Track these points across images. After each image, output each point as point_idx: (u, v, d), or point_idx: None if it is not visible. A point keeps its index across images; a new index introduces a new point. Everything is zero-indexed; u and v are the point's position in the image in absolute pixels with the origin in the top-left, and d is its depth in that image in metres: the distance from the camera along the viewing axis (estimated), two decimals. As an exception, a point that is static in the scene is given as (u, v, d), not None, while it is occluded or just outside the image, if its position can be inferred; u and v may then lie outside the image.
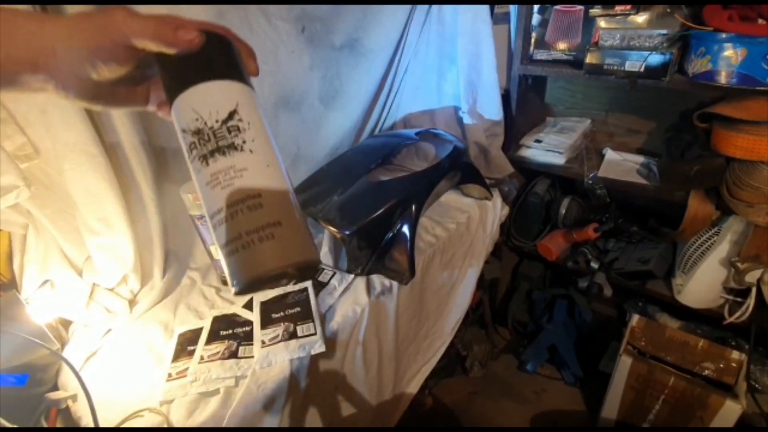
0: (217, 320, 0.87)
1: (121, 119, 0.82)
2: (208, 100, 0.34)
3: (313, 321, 0.83)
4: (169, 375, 0.76)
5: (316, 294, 0.90)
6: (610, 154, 1.32)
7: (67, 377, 0.78)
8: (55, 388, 0.78)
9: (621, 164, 1.27)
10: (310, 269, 0.36)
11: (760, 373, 1.19)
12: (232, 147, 0.33)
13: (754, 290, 1.11)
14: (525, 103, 1.36)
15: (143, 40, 0.32)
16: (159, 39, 0.33)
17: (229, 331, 0.84)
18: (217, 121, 0.33)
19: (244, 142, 0.33)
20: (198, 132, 0.33)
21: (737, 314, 1.14)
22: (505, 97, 1.30)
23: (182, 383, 0.74)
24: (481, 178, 1.24)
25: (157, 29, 0.32)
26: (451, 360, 1.59)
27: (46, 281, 0.85)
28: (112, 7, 0.32)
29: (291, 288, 0.92)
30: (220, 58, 0.36)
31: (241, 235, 0.32)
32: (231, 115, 0.34)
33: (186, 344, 0.82)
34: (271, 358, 0.77)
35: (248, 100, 0.35)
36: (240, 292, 0.33)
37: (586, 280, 1.45)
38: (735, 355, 1.16)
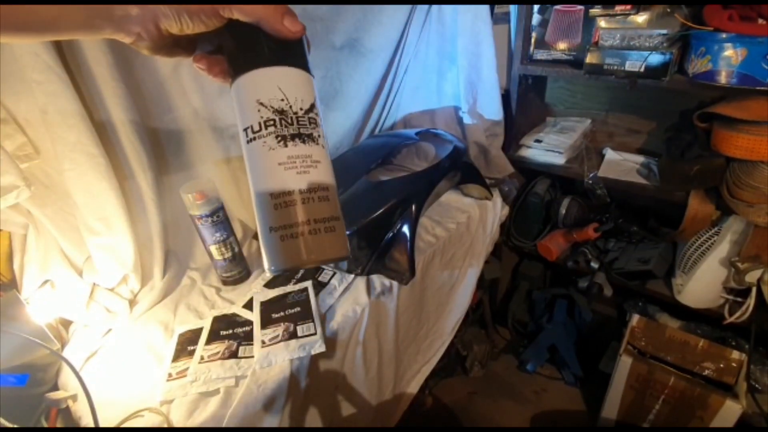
0: (217, 320, 0.87)
1: (121, 119, 0.82)
2: (296, 85, 0.35)
3: (313, 321, 0.83)
4: (169, 375, 0.76)
5: (316, 294, 0.90)
6: (610, 154, 1.32)
7: (67, 377, 0.78)
8: (56, 388, 0.78)
9: (621, 164, 1.27)
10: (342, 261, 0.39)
11: (760, 373, 1.19)
12: (311, 138, 0.35)
13: (754, 290, 1.11)
14: (525, 103, 1.36)
15: (247, 17, 0.33)
16: (265, 22, 0.34)
17: (229, 331, 0.84)
18: (301, 109, 0.35)
19: (319, 136, 0.36)
20: (281, 112, 0.34)
21: (737, 314, 1.15)
22: (505, 97, 1.30)
23: (182, 383, 0.74)
24: (481, 178, 1.24)
25: (266, 12, 0.34)
26: (451, 360, 1.59)
27: (46, 281, 0.85)
28: None
29: (291, 288, 0.92)
30: (303, 49, 0.37)
31: (310, 221, 0.34)
32: (312, 108, 0.36)
33: (186, 344, 0.82)
34: (271, 358, 0.77)
35: (318, 98, 0.38)
36: (280, 272, 0.38)
37: (586, 280, 1.45)
38: (735, 355, 1.16)
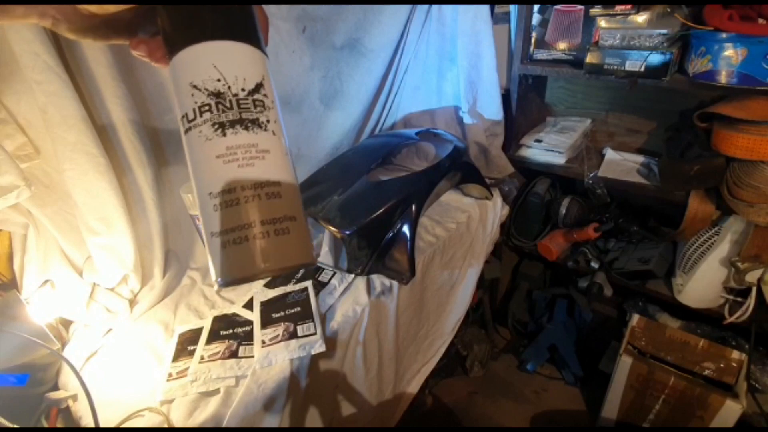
0: (217, 320, 0.87)
1: (121, 119, 0.82)
2: (235, 61, 0.30)
3: (313, 321, 0.83)
4: (170, 375, 0.76)
5: (317, 294, 0.90)
6: (610, 153, 1.32)
7: (67, 377, 0.78)
8: (56, 387, 0.78)
9: (621, 164, 1.27)
10: (305, 268, 0.34)
11: (761, 373, 1.19)
12: (256, 123, 0.29)
13: (754, 290, 1.11)
14: (525, 102, 1.36)
15: None
16: None
17: (230, 331, 0.84)
18: (243, 90, 0.29)
19: (268, 121, 0.30)
20: (218, 95, 0.29)
21: (737, 314, 1.14)
22: (506, 97, 1.30)
23: (182, 383, 0.74)
24: (482, 178, 1.24)
25: None
26: (451, 360, 1.59)
27: (46, 281, 0.85)
28: None
29: (291, 288, 0.92)
30: (250, 19, 0.31)
31: (255, 224, 0.28)
32: (258, 88, 0.30)
33: (186, 344, 0.82)
34: (272, 358, 0.77)
35: (270, 77, 0.32)
36: (230, 285, 0.30)
37: (586, 280, 1.45)
38: (735, 354, 1.16)
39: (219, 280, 0.29)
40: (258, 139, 0.29)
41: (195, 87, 0.29)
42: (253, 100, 0.29)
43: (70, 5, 0.28)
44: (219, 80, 0.29)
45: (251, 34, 0.31)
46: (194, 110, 0.29)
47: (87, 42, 0.32)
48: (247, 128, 0.29)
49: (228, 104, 0.29)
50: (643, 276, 1.30)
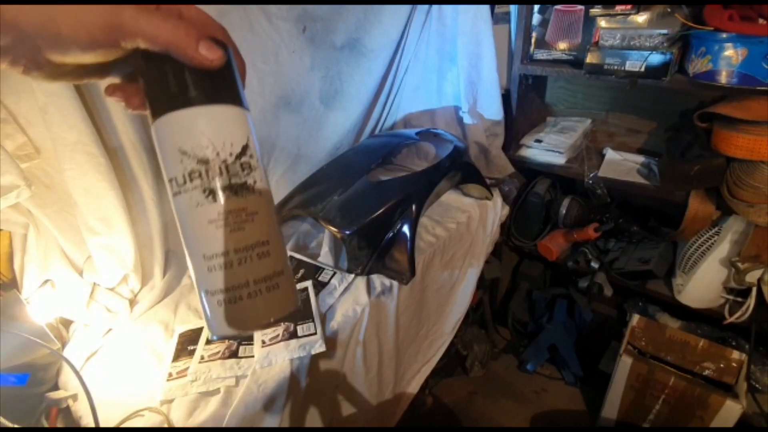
0: (217, 320, 0.87)
1: (121, 119, 0.82)
2: (223, 126, 0.30)
3: (313, 321, 0.83)
4: (170, 374, 0.76)
5: (317, 294, 0.90)
6: (610, 153, 1.32)
7: (67, 377, 0.78)
8: (56, 387, 0.78)
9: (621, 164, 1.27)
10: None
11: (761, 373, 1.19)
12: (245, 187, 0.30)
13: (754, 290, 1.11)
14: (525, 102, 1.36)
15: (154, 45, 0.28)
16: (176, 50, 0.28)
17: (230, 331, 0.84)
18: (231, 155, 0.30)
19: (254, 182, 0.31)
20: (207, 161, 0.29)
21: (737, 314, 1.14)
22: (506, 97, 1.30)
23: (182, 383, 0.74)
24: (482, 178, 1.24)
25: (176, 38, 0.28)
26: (451, 360, 1.59)
27: (46, 281, 0.85)
28: (124, 7, 0.27)
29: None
30: (232, 77, 0.31)
31: (249, 283, 0.30)
32: (244, 150, 0.30)
33: (186, 344, 0.82)
34: (272, 358, 0.77)
35: (253, 132, 0.32)
36: (229, 338, 0.32)
37: (586, 280, 1.45)
38: (735, 355, 1.16)
39: (214, 336, 0.31)
40: (247, 203, 0.30)
41: (184, 153, 0.29)
42: (241, 164, 0.30)
43: (42, 55, 0.27)
44: (208, 147, 0.29)
45: (235, 94, 0.31)
46: (184, 176, 0.29)
47: (44, 81, 0.30)
48: (236, 193, 0.30)
49: (218, 170, 0.29)
50: (643, 276, 1.29)
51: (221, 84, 0.30)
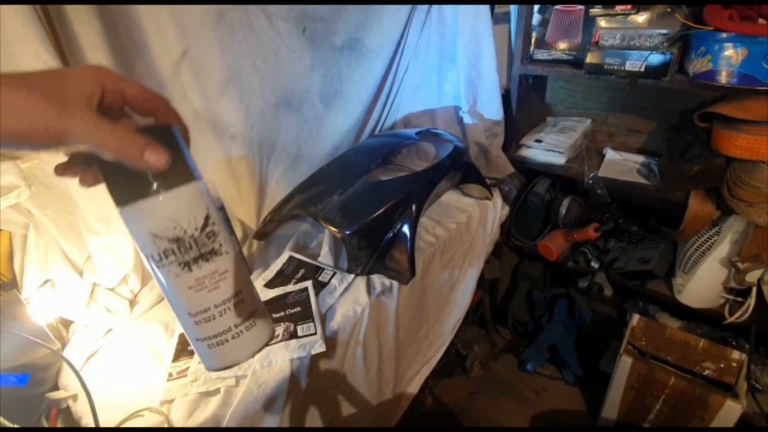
0: (217, 320, 0.87)
1: (121, 119, 0.82)
2: (185, 206, 0.33)
3: (313, 321, 0.83)
4: (170, 375, 0.76)
5: (317, 294, 0.90)
6: (610, 153, 1.32)
7: (67, 377, 0.78)
8: (56, 387, 0.78)
9: (621, 164, 1.27)
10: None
11: (761, 373, 1.19)
12: (213, 253, 0.34)
13: (754, 290, 1.11)
14: (525, 102, 1.36)
15: (102, 152, 0.30)
16: (123, 160, 0.30)
17: (230, 331, 0.84)
18: (196, 229, 0.33)
19: (221, 245, 0.35)
20: (177, 240, 0.33)
21: (738, 314, 1.14)
22: (506, 97, 1.30)
23: (182, 383, 0.74)
24: (482, 178, 1.24)
25: (123, 150, 0.30)
26: (451, 360, 1.59)
27: (46, 281, 0.85)
28: (72, 109, 0.28)
29: (291, 288, 0.92)
30: (183, 159, 0.34)
31: (231, 328, 0.36)
32: (207, 221, 0.34)
33: (186, 344, 0.82)
34: (272, 358, 0.77)
35: (210, 198, 0.35)
36: (219, 371, 0.37)
37: (586, 280, 1.45)
38: (735, 354, 1.16)
39: (209, 369, 0.38)
40: (218, 266, 0.35)
41: (155, 236, 0.33)
42: (206, 234, 0.34)
43: None
44: (176, 227, 0.33)
45: (188, 172, 0.34)
46: (159, 254, 0.33)
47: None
48: (207, 260, 0.34)
49: (188, 245, 0.33)
50: (643, 276, 1.29)
51: (174, 169, 0.32)
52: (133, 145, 0.30)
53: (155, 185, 0.32)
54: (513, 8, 1.23)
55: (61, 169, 0.33)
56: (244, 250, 1.03)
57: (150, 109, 0.34)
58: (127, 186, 0.32)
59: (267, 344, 0.38)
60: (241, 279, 0.37)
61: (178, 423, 0.70)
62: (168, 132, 0.33)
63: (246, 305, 0.36)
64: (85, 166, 0.33)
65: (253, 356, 0.37)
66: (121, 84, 0.32)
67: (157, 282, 0.35)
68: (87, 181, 0.33)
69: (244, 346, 0.36)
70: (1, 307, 0.75)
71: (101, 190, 0.80)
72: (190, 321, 0.35)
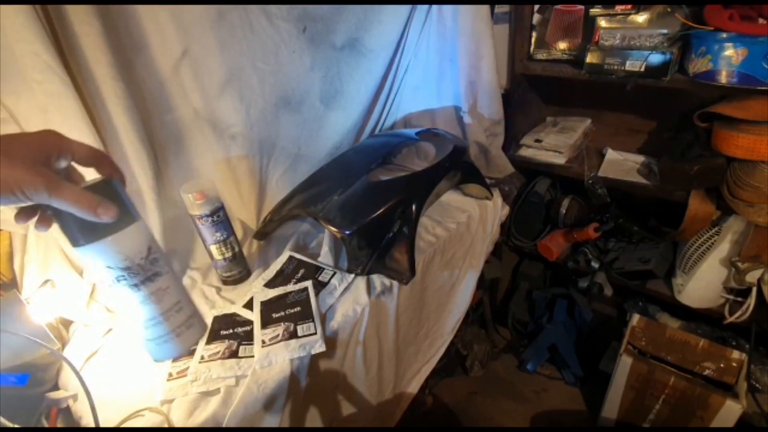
0: (217, 320, 0.87)
1: (121, 120, 0.82)
2: (131, 242, 0.43)
3: (313, 320, 0.83)
4: (170, 374, 0.76)
5: (317, 294, 0.90)
6: (610, 153, 1.32)
7: (67, 377, 0.78)
8: (56, 387, 0.78)
9: (621, 164, 1.27)
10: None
11: (761, 373, 1.19)
12: (157, 275, 0.45)
13: (754, 290, 1.11)
14: (525, 102, 1.36)
15: (62, 205, 0.37)
16: (80, 213, 0.38)
17: (230, 331, 0.84)
18: (142, 259, 0.43)
19: (161, 267, 0.45)
20: (127, 269, 0.43)
21: (738, 314, 1.14)
22: (506, 97, 1.30)
23: (183, 383, 0.74)
24: (482, 178, 1.24)
25: (79, 206, 0.38)
26: (452, 359, 1.59)
27: (46, 281, 0.85)
28: (38, 172, 0.36)
29: (291, 287, 0.92)
30: (125, 206, 0.43)
31: (175, 329, 0.47)
32: (149, 251, 0.44)
33: (186, 344, 0.82)
34: (272, 358, 0.77)
35: (149, 233, 0.46)
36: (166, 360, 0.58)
37: (586, 280, 1.45)
38: (735, 354, 1.16)
39: (167, 358, 0.50)
40: (161, 284, 0.45)
41: (109, 267, 0.42)
42: (150, 261, 0.44)
43: None
44: (126, 260, 0.42)
45: (131, 214, 0.43)
46: (113, 279, 0.43)
47: None
48: (152, 280, 0.44)
49: (136, 272, 0.43)
50: (643, 276, 1.30)
51: (122, 215, 0.41)
52: (89, 204, 0.38)
53: (105, 231, 0.41)
54: (513, 8, 1.23)
55: (21, 217, 0.41)
56: (245, 249, 1.03)
57: (94, 163, 0.42)
58: (81, 233, 0.40)
59: (200, 338, 0.54)
60: (181, 292, 0.48)
61: (178, 423, 0.70)
62: (111, 186, 0.42)
63: (185, 311, 0.48)
64: (35, 212, 0.41)
65: (191, 349, 0.51)
66: (71, 145, 0.40)
67: (113, 298, 0.45)
68: (43, 226, 0.41)
69: (184, 342, 0.48)
70: (1, 307, 0.76)
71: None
72: (141, 326, 0.46)
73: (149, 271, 0.44)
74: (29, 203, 0.37)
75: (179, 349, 0.48)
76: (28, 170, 0.36)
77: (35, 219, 0.41)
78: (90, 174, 0.44)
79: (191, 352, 0.79)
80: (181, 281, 0.49)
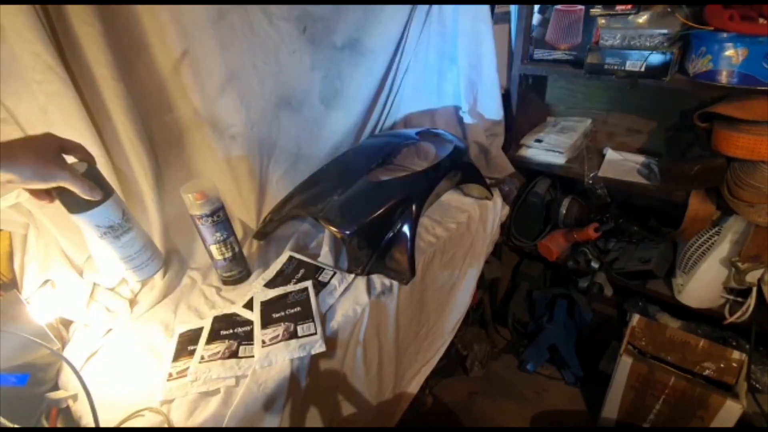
0: (217, 320, 0.87)
1: (121, 119, 0.82)
2: (110, 211, 0.66)
3: (313, 321, 0.83)
4: (170, 375, 0.76)
5: (317, 294, 0.90)
6: (610, 153, 1.32)
7: (67, 377, 0.78)
8: (56, 387, 0.78)
9: (621, 164, 1.27)
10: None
11: (761, 373, 1.20)
12: (130, 228, 0.70)
13: (754, 290, 1.11)
14: (525, 102, 1.36)
15: (71, 187, 0.58)
16: (81, 192, 0.59)
17: (230, 331, 0.84)
18: (119, 219, 0.68)
19: (133, 224, 0.70)
20: (111, 227, 0.67)
21: (738, 314, 1.14)
22: (506, 97, 1.30)
23: (183, 383, 0.74)
24: (482, 178, 1.24)
25: (82, 188, 0.59)
26: (452, 360, 1.59)
27: (46, 281, 0.85)
28: (54, 163, 0.56)
29: (291, 288, 0.92)
30: (105, 183, 0.66)
31: (144, 261, 0.73)
32: (124, 213, 0.69)
33: (186, 344, 0.82)
34: (272, 358, 0.77)
35: (122, 201, 0.70)
36: (143, 280, 0.87)
37: (586, 280, 1.45)
38: (735, 355, 1.16)
39: (137, 281, 0.87)
40: (133, 234, 0.70)
41: (98, 227, 0.66)
42: (124, 220, 0.68)
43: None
44: (108, 221, 0.66)
45: (109, 191, 0.66)
46: (100, 235, 0.67)
47: None
48: (127, 232, 0.69)
49: (117, 228, 0.67)
50: (643, 276, 1.30)
51: (106, 193, 0.65)
52: (88, 187, 0.59)
53: (95, 203, 0.63)
54: (513, 8, 1.23)
55: (39, 195, 0.58)
56: (244, 249, 1.03)
57: (77, 154, 0.61)
58: (78, 204, 0.62)
59: (162, 266, 0.79)
60: (146, 237, 0.74)
61: (178, 423, 0.70)
62: (96, 172, 0.64)
63: (150, 249, 0.74)
64: (49, 193, 0.59)
65: (158, 272, 0.77)
66: (67, 142, 0.59)
67: (102, 248, 0.70)
68: (46, 200, 0.60)
69: (153, 267, 0.75)
70: (1, 307, 0.75)
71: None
72: (122, 263, 0.71)
73: (124, 227, 0.68)
74: (50, 185, 0.56)
75: (147, 274, 0.74)
76: (52, 162, 0.55)
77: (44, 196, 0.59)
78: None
79: (192, 353, 0.79)
80: (143, 231, 0.73)
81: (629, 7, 1.00)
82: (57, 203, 0.61)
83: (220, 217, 0.90)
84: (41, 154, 0.54)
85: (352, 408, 0.97)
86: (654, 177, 1.18)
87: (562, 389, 1.57)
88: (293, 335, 0.81)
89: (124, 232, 0.68)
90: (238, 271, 0.98)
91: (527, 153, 1.36)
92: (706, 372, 1.17)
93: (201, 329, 0.85)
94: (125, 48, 0.80)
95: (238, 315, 0.88)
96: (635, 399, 1.26)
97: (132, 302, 0.93)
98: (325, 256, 1.01)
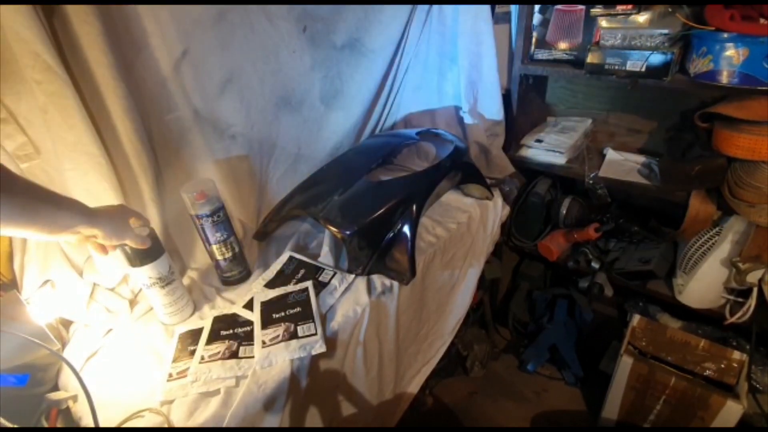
0: (217, 320, 0.87)
1: (121, 119, 0.82)
2: (160, 265, 0.83)
3: (313, 321, 0.83)
4: (170, 375, 0.76)
5: (317, 294, 0.90)
6: (611, 153, 1.31)
7: (67, 377, 0.78)
8: (56, 388, 0.78)
9: (622, 164, 1.27)
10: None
11: (761, 374, 1.19)
12: (173, 279, 0.86)
13: (755, 290, 1.11)
14: (526, 102, 1.36)
15: (134, 245, 0.76)
16: (137, 245, 0.76)
17: (230, 331, 0.84)
18: (166, 273, 0.84)
19: (176, 276, 0.86)
20: (159, 278, 0.83)
21: (738, 314, 1.14)
22: (506, 97, 1.30)
23: (183, 383, 0.74)
24: (482, 178, 1.24)
25: (136, 242, 0.75)
26: (452, 360, 1.59)
27: (46, 281, 0.85)
28: (130, 227, 0.74)
29: (291, 288, 0.92)
30: (160, 243, 0.84)
31: (181, 307, 0.89)
32: (170, 268, 0.85)
33: (186, 344, 0.82)
34: (272, 358, 0.77)
35: (169, 257, 0.85)
36: (174, 324, 0.90)
37: (586, 280, 1.45)
38: (736, 355, 1.16)
39: (168, 324, 0.91)
40: (176, 284, 0.87)
41: (150, 277, 0.83)
42: (170, 272, 0.85)
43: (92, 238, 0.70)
44: (158, 273, 0.83)
45: (162, 249, 0.84)
46: (151, 284, 0.84)
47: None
48: (170, 283, 0.85)
49: (163, 279, 0.84)
50: (643, 276, 1.29)
51: (156, 248, 0.82)
52: (136, 240, 0.75)
53: (149, 258, 0.81)
54: (513, 8, 1.23)
55: (100, 248, 0.72)
56: (245, 249, 1.03)
57: (139, 220, 0.77)
58: (137, 259, 0.80)
59: (193, 314, 0.91)
60: (182, 288, 0.88)
61: (178, 423, 0.70)
62: (154, 233, 0.82)
63: (186, 296, 0.89)
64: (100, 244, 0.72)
65: (191, 316, 0.90)
66: (133, 212, 0.76)
67: (148, 296, 0.87)
68: (103, 253, 0.73)
69: (187, 312, 0.89)
70: (1, 307, 0.75)
71: (101, 190, 0.83)
72: (163, 309, 0.87)
73: (169, 279, 0.84)
74: (121, 243, 0.73)
75: (182, 318, 0.89)
76: (125, 225, 0.73)
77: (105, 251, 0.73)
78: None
79: (192, 353, 0.79)
80: (182, 282, 0.87)
81: (630, 7, 1.00)
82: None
83: (220, 217, 0.90)
84: (118, 218, 0.71)
85: (352, 408, 0.97)
86: (654, 177, 1.17)
87: (563, 389, 1.57)
88: (293, 336, 0.81)
89: (169, 283, 0.84)
90: (238, 271, 0.98)
91: (528, 153, 1.36)
92: (707, 372, 1.17)
93: (201, 330, 0.85)
94: (125, 48, 0.80)
95: (238, 315, 0.88)
96: (635, 399, 1.26)
97: (132, 302, 0.93)
98: (326, 257, 1.01)
